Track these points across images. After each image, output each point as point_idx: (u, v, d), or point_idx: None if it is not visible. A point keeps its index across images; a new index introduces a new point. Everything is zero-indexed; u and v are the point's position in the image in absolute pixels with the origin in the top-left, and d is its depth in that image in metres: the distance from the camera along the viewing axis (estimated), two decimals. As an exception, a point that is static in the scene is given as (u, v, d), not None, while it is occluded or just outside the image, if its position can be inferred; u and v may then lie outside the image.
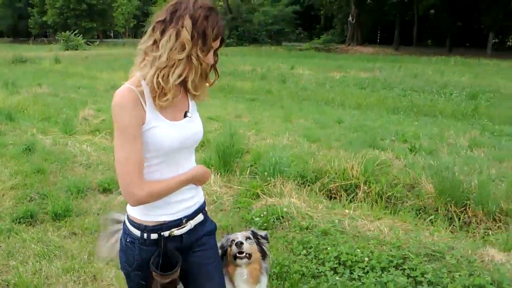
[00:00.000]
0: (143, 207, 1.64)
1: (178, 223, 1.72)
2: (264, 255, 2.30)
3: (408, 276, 3.24)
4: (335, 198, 5.41)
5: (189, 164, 1.73)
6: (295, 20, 53.25)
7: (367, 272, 3.25)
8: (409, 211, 4.99)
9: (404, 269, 3.31)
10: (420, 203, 5.18)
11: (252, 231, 2.35)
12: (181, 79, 1.51)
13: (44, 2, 56.44)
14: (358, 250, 3.49)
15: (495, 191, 5.13)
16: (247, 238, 2.25)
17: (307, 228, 4.00)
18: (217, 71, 1.67)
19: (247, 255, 2.18)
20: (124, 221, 1.75)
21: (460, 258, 3.51)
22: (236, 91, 13.00)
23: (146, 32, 1.56)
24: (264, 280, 2.27)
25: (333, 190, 5.56)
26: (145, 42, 1.54)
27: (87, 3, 53.54)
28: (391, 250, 3.57)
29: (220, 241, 2.27)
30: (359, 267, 3.31)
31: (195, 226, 1.78)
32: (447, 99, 12.76)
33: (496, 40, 52.08)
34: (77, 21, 53.50)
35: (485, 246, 3.84)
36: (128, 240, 1.70)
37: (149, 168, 1.60)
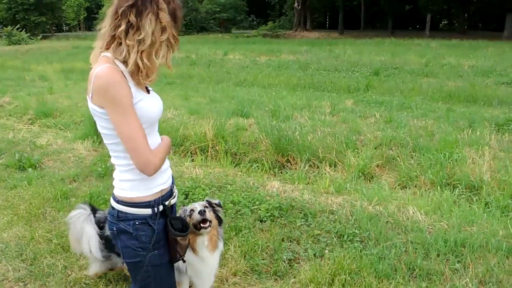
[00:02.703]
0: (146, 182, 1.70)
1: (170, 193, 1.84)
2: (220, 221, 2.42)
3: (191, 199, 4.38)
4: (194, 157, 6.54)
5: (158, 135, 1.81)
6: (246, 7, 54.10)
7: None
8: (248, 163, 6.21)
9: (189, 195, 4.45)
10: (257, 156, 6.39)
11: (207, 200, 2.46)
12: (164, 58, 1.60)
13: (-9, -2, 55.08)
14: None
15: (317, 144, 6.39)
16: (205, 207, 2.32)
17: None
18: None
19: (210, 222, 2.27)
20: (119, 212, 1.73)
21: (242, 186, 4.69)
22: (158, 75, 13.87)
23: (106, 17, 1.61)
24: (221, 245, 2.43)
25: (193, 151, 6.70)
26: (113, 26, 1.56)
27: (35, -3, 52.62)
28: (190, 183, 4.71)
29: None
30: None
31: None
32: (349, 76, 14.10)
33: (445, 22, 54.81)
34: (26, 15, 52.28)
35: (272, 180, 5.06)
36: (137, 223, 1.71)
37: None
